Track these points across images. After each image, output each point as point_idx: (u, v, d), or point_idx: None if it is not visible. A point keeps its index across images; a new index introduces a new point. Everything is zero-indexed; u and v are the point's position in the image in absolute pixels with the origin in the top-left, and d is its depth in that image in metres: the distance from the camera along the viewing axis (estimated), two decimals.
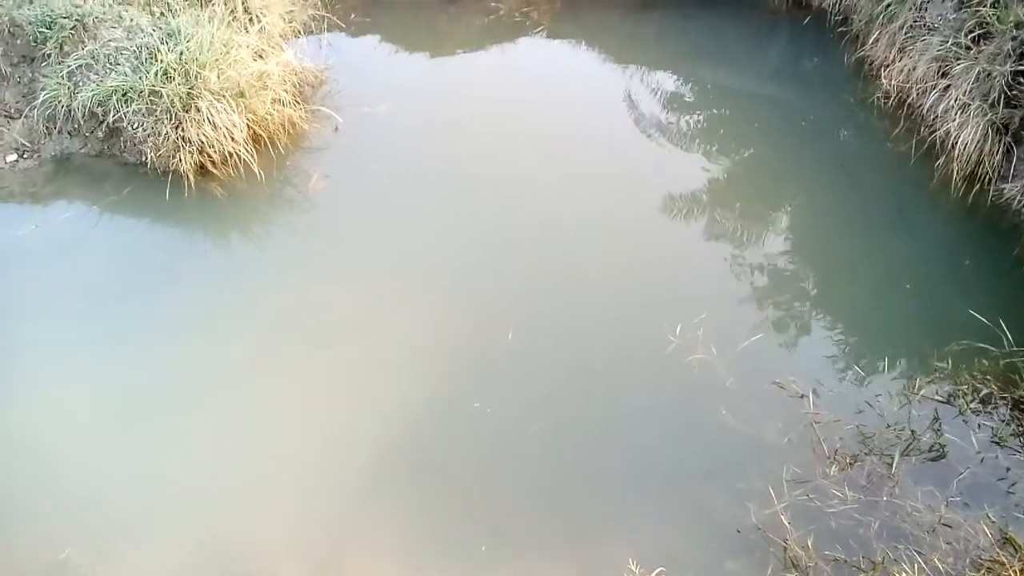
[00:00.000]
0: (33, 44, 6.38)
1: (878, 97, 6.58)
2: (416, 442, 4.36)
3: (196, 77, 5.92)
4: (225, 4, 6.69)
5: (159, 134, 5.93)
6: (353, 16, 8.23)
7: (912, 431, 4.21)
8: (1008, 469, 4.07)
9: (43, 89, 6.24)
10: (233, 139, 5.98)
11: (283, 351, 4.94)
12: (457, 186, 6.13)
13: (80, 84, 6.14)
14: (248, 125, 6.10)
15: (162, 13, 6.49)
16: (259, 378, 4.78)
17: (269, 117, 6.27)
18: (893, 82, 6.46)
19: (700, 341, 4.72)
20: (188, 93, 5.86)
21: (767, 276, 5.31)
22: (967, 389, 4.39)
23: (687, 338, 4.75)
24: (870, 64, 6.94)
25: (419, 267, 5.45)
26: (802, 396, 4.43)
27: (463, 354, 4.81)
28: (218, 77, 5.98)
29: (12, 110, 6.49)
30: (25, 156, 6.41)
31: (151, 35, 6.18)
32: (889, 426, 4.25)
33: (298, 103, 6.67)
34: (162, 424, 4.53)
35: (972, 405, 4.32)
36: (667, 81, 7.56)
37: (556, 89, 7.54)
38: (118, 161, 6.32)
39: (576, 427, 4.39)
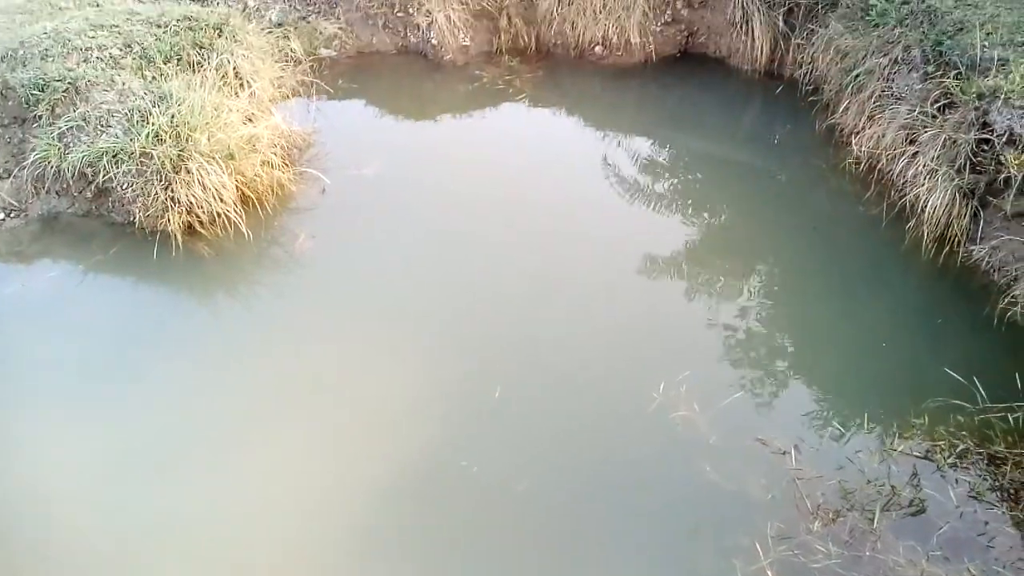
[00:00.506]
0: (25, 106, 6.48)
1: (849, 162, 6.81)
2: (403, 501, 4.38)
3: (187, 139, 6.03)
4: (216, 70, 6.86)
5: (148, 195, 6.02)
6: (340, 82, 8.43)
7: (892, 486, 4.29)
8: (986, 523, 4.14)
9: (33, 150, 6.33)
10: (222, 200, 6.07)
11: (270, 411, 4.96)
12: (442, 247, 6.24)
13: (71, 145, 6.23)
14: (237, 186, 6.20)
15: (154, 77, 6.64)
16: (246, 438, 4.79)
17: (258, 178, 6.38)
18: (863, 148, 6.70)
19: (683, 398, 4.80)
20: (179, 155, 5.97)
21: (746, 336, 5.42)
22: (944, 445, 4.49)
23: (670, 395, 4.83)
24: (841, 131, 7.19)
25: (405, 326, 5.52)
26: (784, 452, 4.51)
27: (450, 412, 4.86)
28: (208, 140, 6.11)
29: (1, 170, 6.56)
30: (12, 215, 6.45)
31: (143, 98, 6.31)
32: (869, 482, 4.33)
33: (286, 165, 6.79)
34: (147, 486, 4.52)
35: (949, 460, 4.42)
36: (645, 147, 7.78)
37: (538, 153, 7.75)
38: (105, 221, 6.38)
39: (562, 484, 4.43)
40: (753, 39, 8.25)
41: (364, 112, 8.18)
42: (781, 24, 8.13)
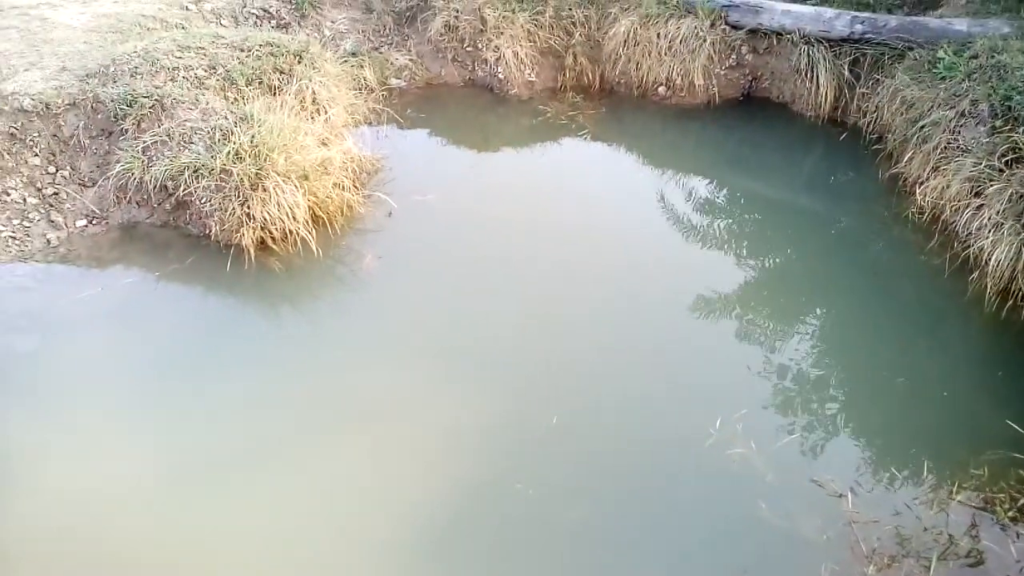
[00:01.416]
0: (113, 119, 6.80)
1: (912, 212, 6.82)
2: (452, 525, 4.46)
3: (265, 159, 6.28)
4: (295, 95, 7.13)
5: (226, 209, 6.26)
6: (409, 111, 8.69)
7: (949, 535, 4.27)
8: None
9: (118, 161, 6.63)
10: (294, 218, 6.29)
11: (326, 428, 5.07)
12: (501, 275, 6.38)
13: (154, 159, 6.52)
14: (309, 206, 6.42)
15: (236, 99, 6.92)
16: (299, 456, 4.87)
17: (329, 199, 6.60)
18: (927, 199, 6.71)
19: (739, 436, 4.84)
20: (257, 173, 6.21)
21: (802, 379, 5.43)
22: (1004, 497, 4.46)
23: (726, 432, 4.86)
24: (904, 180, 7.21)
25: (465, 350, 5.64)
26: (840, 495, 4.51)
27: (507, 439, 4.93)
28: (285, 160, 6.35)
29: (86, 179, 6.87)
30: (94, 222, 6.75)
31: (225, 118, 6.59)
32: (926, 529, 4.31)
33: (356, 188, 7.01)
34: (202, 499, 4.61)
35: (1010, 514, 4.38)
36: (702, 187, 7.87)
37: (597, 188, 7.88)
38: (182, 232, 6.64)
39: (615, 514, 4.48)
40: (817, 86, 8.32)
41: (430, 141, 8.41)
42: (846, 73, 8.20)
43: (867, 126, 7.93)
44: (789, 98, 8.78)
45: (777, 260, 6.85)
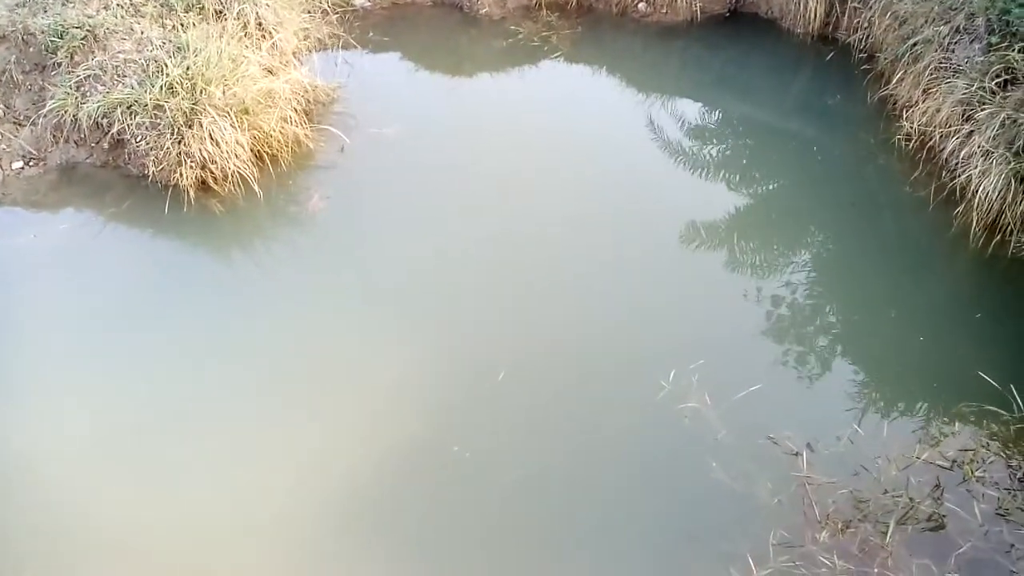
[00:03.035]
0: (45, 52, 6.38)
1: (899, 138, 6.36)
2: (388, 480, 4.24)
3: (201, 92, 5.86)
4: (237, 18, 6.65)
5: (161, 148, 5.89)
6: (371, 34, 8.16)
7: (911, 498, 3.99)
8: (1012, 545, 3.83)
9: (51, 98, 6.23)
10: (236, 156, 5.91)
11: (272, 376, 4.86)
12: (460, 216, 6.00)
13: (88, 94, 6.12)
14: (251, 142, 6.03)
15: (174, 26, 6.46)
16: (245, 403, 4.71)
17: (273, 135, 6.20)
18: (915, 124, 6.24)
19: (694, 389, 4.54)
20: (192, 108, 5.81)
21: (772, 321, 5.11)
22: (972, 456, 4.16)
23: (681, 384, 4.57)
24: (893, 103, 6.72)
25: (414, 297, 5.33)
26: (796, 454, 4.23)
27: (450, 393, 4.67)
28: (223, 93, 5.93)
29: (21, 117, 6.49)
30: (31, 164, 6.40)
31: (160, 48, 6.15)
32: (886, 491, 4.03)
33: (306, 121, 6.58)
34: (147, 446, 4.46)
35: (977, 473, 4.09)
36: (686, 110, 7.40)
37: (574, 115, 7.41)
38: (121, 173, 6.29)
39: (556, 475, 4.24)
40: (807, 1, 7.72)
41: (393, 67, 7.91)
42: None
43: (858, 43, 7.39)
44: (777, 14, 8.20)
45: (759, 190, 6.45)
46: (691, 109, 7.42)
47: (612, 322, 5.11)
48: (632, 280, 5.48)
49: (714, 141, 7.03)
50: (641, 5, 8.38)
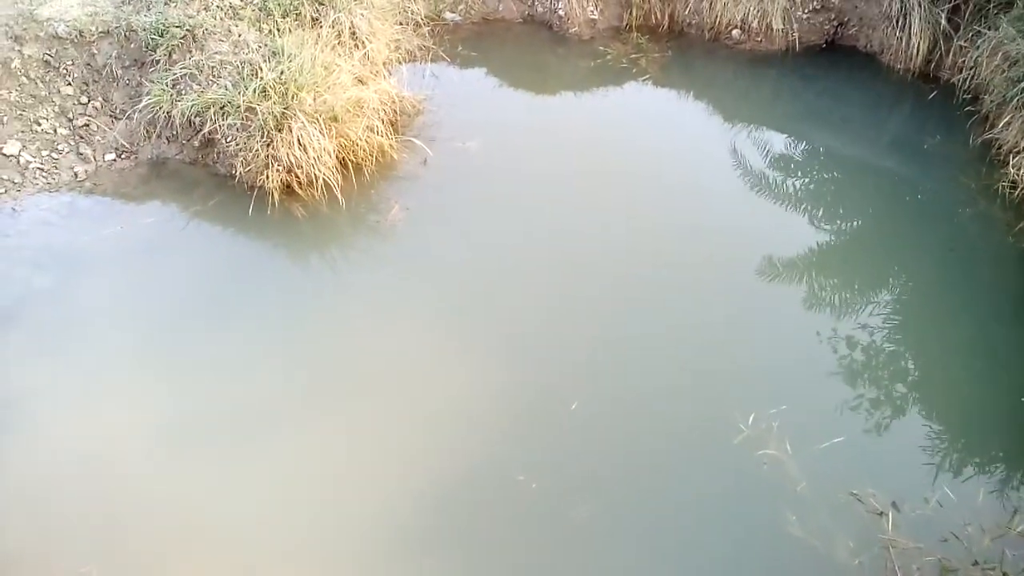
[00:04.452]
0: (145, 49, 6.53)
1: (1003, 185, 6.06)
2: (449, 505, 4.17)
3: (293, 97, 5.92)
4: (332, 27, 6.71)
5: (250, 150, 5.96)
6: (460, 48, 8.17)
7: (1004, 573, 3.74)
8: None
9: (148, 94, 6.37)
10: (321, 162, 5.95)
11: (335, 386, 4.85)
12: (539, 236, 5.93)
13: (183, 92, 6.24)
14: (337, 150, 6.06)
15: (270, 31, 6.55)
16: (312, 414, 4.70)
17: (360, 143, 6.22)
18: (1022, 171, 5.93)
19: (774, 435, 4.36)
20: (283, 113, 5.87)
21: (856, 368, 4.89)
22: None
23: (759, 429, 4.39)
24: (998, 148, 6.42)
25: (486, 316, 5.27)
26: (880, 513, 4.02)
27: (520, 419, 4.57)
28: (314, 100, 5.97)
29: (117, 110, 6.65)
30: (123, 156, 6.55)
31: (256, 52, 6.23)
32: (976, 563, 3.80)
33: (392, 132, 6.60)
34: (210, 451, 4.49)
35: None
36: (775, 141, 7.20)
37: (658, 139, 7.29)
38: (210, 171, 6.40)
39: (625, 515, 4.10)
40: (910, 35, 7.45)
41: (479, 82, 7.89)
42: (943, 22, 7.30)
43: (962, 84, 7.08)
44: (877, 48, 7.93)
45: (849, 226, 6.22)
46: (778, 140, 7.23)
47: (690, 356, 4.96)
48: (710, 312, 5.32)
49: (799, 174, 6.83)
50: (735, 32, 8.21)
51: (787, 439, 4.34)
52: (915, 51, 7.49)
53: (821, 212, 6.34)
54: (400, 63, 7.44)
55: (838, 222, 6.27)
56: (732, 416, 4.45)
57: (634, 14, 8.46)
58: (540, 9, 8.57)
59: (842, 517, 4.01)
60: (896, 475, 4.25)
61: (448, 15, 8.50)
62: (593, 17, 8.46)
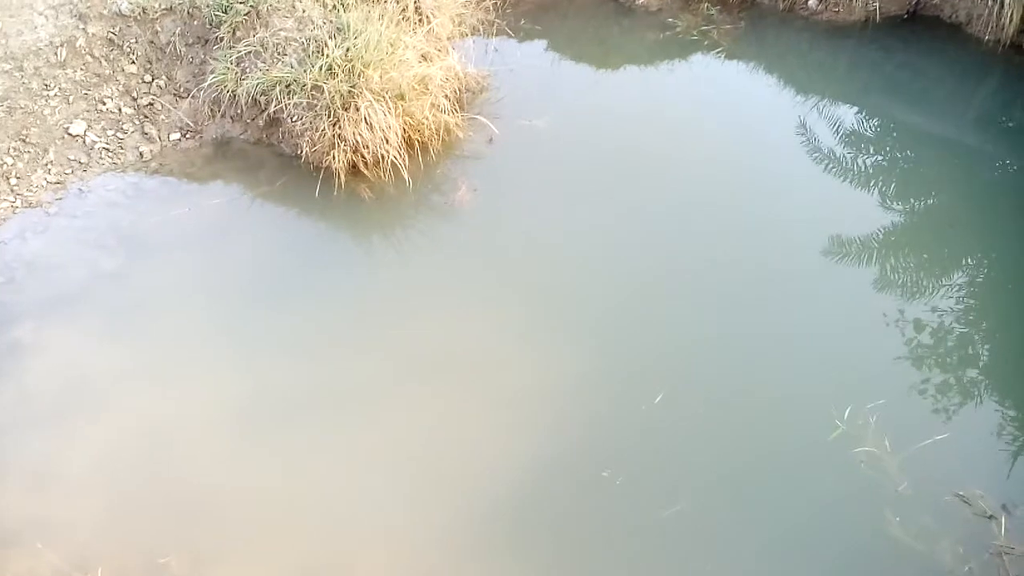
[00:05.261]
0: (208, 26, 6.42)
1: None
2: (527, 501, 4.03)
3: (359, 75, 5.77)
4: (397, 2, 6.53)
5: (316, 129, 5.83)
6: (523, 22, 7.93)
7: None
8: None
9: (212, 72, 6.27)
10: (387, 141, 5.80)
11: (399, 371, 4.75)
12: (612, 217, 5.72)
13: (247, 71, 6.12)
14: (404, 129, 5.91)
15: (335, 7, 6.38)
16: (380, 400, 4.61)
17: (425, 122, 6.06)
18: None
19: (872, 431, 4.13)
20: (349, 91, 5.72)
21: (966, 364, 4.60)
22: None
23: (856, 425, 4.17)
24: None
25: (564, 301, 5.10)
26: (990, 517, 3.78)
27: (601, 411, 4.41)
28: (380, 77, 5.82)
29: (181, 89, 6.57)
30: (187, 136, 6.48)
31: (321, 28, 6.09)
32: None
33: (456, 109, 6.42)
34: (280, 435, 4.42)
35: None
36: (852, 116, 6.89)
37: (729, 115, 7.01)
38: (275, 151, 6.30)
39: (715, 515, 3.92)
40: (1001, 4, 7.03)
41: (544, 57, 7.65)
42: None
43: None
44: (964, 18, 7.51)
45: (932, 204, 5.93)
46: (851, 115, 6.91)
47: (781, 346, 4.74)
48: (802, 297, 5.10)
49: (871, 150, 6.52)
50: (811, 2, 7.85)
51: (886, 436, 4.11)
52: (1007, 20, 7.06)
53: (892, 189, 6.01)
54: (463, 38, 7.24)
55: (911, 200, 5.95)
56: (827, 410, 4.24)
57: None
58: None
59: (948, 520, 3.80)
60: (1005, 478, 4.00)
61: None
62: None
